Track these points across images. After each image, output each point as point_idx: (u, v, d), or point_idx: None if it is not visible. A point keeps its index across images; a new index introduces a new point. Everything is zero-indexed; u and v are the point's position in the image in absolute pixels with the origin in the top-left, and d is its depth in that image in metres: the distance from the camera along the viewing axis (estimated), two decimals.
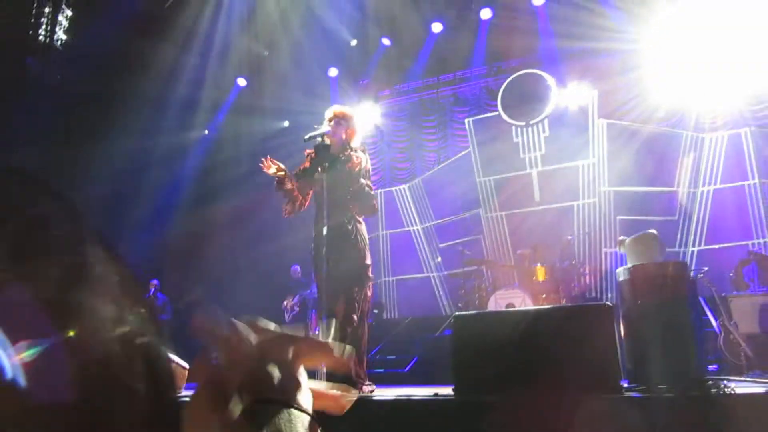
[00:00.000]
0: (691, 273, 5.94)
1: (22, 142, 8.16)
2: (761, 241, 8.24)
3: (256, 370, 0.49)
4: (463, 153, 10.53)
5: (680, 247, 8.76)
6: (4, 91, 8.45)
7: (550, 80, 9.73)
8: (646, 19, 8.88)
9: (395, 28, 10.33)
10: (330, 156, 4.31)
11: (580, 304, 6.61)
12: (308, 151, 4.50)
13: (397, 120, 11.48)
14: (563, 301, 7.17)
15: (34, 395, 0.31)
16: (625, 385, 3.03)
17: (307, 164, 4.47)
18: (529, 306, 6.85)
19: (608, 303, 3.14)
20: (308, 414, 0.49)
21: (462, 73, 10.88)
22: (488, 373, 3.15)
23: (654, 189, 9.04)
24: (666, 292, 3.15)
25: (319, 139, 4.28)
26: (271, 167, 4.37)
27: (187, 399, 0.48)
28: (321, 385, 0.56)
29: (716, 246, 8.54)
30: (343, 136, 4.38)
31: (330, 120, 4.39)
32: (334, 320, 3.95)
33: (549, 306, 6.54)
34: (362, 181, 4.30)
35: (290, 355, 0.51)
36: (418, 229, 10.82)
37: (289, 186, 4.39)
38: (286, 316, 9.35)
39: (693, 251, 8.73)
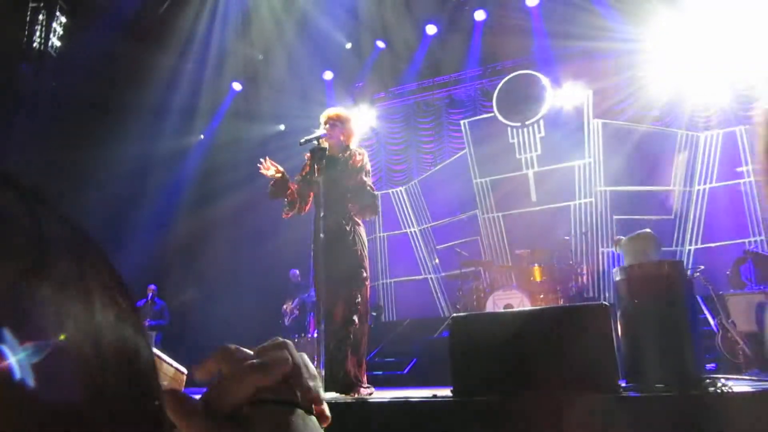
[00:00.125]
0: (688, 272, 5.96)
1: (17, 149, 8.15)
2: (757, 239, 8.26)
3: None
4: (459, 154, 10.55)
5: (677, 245, 8.79)
6: None
7: (544, 81, 9.77)
8: (640, 18, 8.90)
9: (390, 30, 10.34)
10: (327, 158, 4.31)
11: (577, 303, 6.62)
12: (308, 155, 4.50)
13: (393, 122, 11.50)
14: (561, 301, 7.18)
15: (43, 396, 0.30)
16: (623, 384, 3.03)
17: (307, 168, 4.47)
18: (527, 306, 6.87)
19: (605, 302, 3.15)
20: (310, 411, 0.47)
21: (457, 75, 10.89)
22: (486, 374, 3.15)
23: (650, 188, 9.06)
24: (662, 290, 3.16)
25: (316, 142, 4.27)
26: (270, 169, 4.37)
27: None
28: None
29: (713, 245, 8.57)
30: (341, 138, 4.38)
31: (326, 123, 4.39)
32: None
33: (546, 306, 6.56)
34: (364, 179, 4.29)
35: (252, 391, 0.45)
36: (415, 231, 10.83)
37: (286, 189, 4.38)
38: (286, 319, 9.35)
39: (690, 250, 8.75)
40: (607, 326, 3.01)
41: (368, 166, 4.40)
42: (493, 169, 10.07)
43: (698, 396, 2.72)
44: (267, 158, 4.41)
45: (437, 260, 10.32)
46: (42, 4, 9.05)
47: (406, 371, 7.27)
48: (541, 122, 9.76)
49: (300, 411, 0.46)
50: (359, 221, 4.36)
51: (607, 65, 9.62)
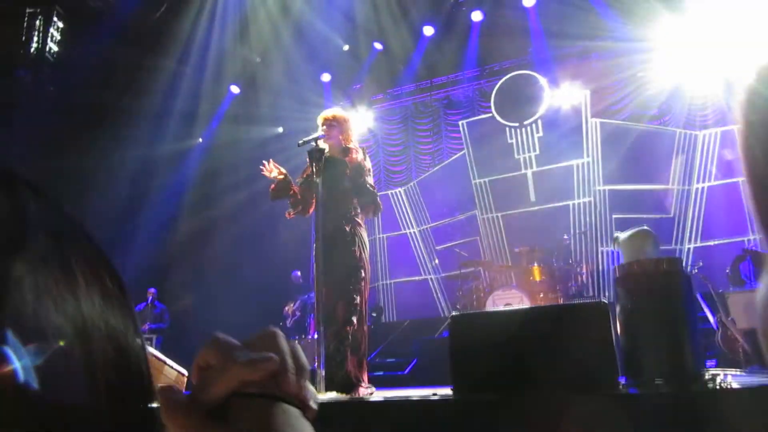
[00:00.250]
0: (687, 269, 5.97)
1: (15, 154, 8.15)
2: (756, 237, 8.27)
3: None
4: (458, 155, 10.57)
5: (676, 244, 8.79)
6: None
7: (542, 81, 9.78)
8: (637, 17, 8.92)
9: (387, 32, 10.34)
10: (326, 159, 4.32)
11: (576, 302, 6.62)
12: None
13: (391, 123, 11.51)
14: (560, 300, 7.18)
15: (47, 397, 0.30)
16: (622, 381, 3.04)
17: (308, 170, 4.47)
18: (526, 306, 6.87)
19: (604, 300, 3.16)
20: (295, 405, 0.46)
21: (454, 76, 10.91)
22: (486, 373, 3.15)
23: (649, 187, 9.07)
24: (661, 288, 3.16)
25: (314, 143, 4.28)
26: (273, 171, 4.38)
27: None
28: None
29: (712, 243, 8.58)
30: (340, 138, 4.38)
31: (323, 124, 4.40)
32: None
33: (545, 305, 6.56)
34: (365, 178, 4.28)
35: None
36: (414, 232, 10.84)
37: (288, 190, 4.39)
38: (288, 321, 9.35)
39: (689, 248, 8.76)
40: (606, 324, 3.01)
41: (368, 165, 4.39)
42: (491, 169, 10.08)
43: (697, 392, 2.72)
44: (270, 161, 4.42)
45: (437, 261, 10.32)
46: (39, 10, 9.06)
47: (406, 371, 7.28)
48: (539, 122, 9.78)
49: (284, 405, 0.45)
50: (361, 222, 4.35)
51: (604, 65, 9.64)
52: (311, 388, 0.49)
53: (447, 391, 3.27)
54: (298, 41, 10.37)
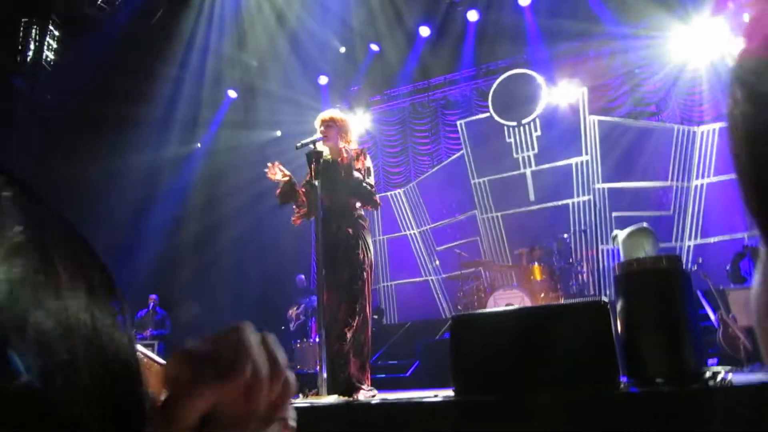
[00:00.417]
0: (687, 266, 5.96)
1: (10, 162, 8.14)
2: (756, 233, 8.25)
3: None
4: (457, 155, 10.57)
5: (676, 241, 8.79)
6: None
7: (539, 79, 9.79)
8: (633, 14, 8.93)
9: (383, 34, 10.36)
10: (326, 162, 4.32)
11: (576, 301, 6.62)
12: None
13: (389, 125, 11.52)
14: (561, 299, 7.18)
15: (50, 396, 0.29)
16: (623, 380, 3.03)
17: (310, 173, 4.46)
18: (527, 305, 6.87)
19: (604, 299, 3.15)
20: (272, 420, 0.44)
21: (451, 76, 10.91)
22: (488, 374, 3.15)
23: (648, 184, 9.07)
24: (661, 285, 3.16)
25: (312, 146, 4.28)
26: (277, 173, 4.36)
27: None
28: None
29: (711, 240, 8.57)
30: (338, 140, 4.37)
31: (321, 126, 4.39)
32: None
33: (545, 304, 6.56)
34: (363, 176, 4.26)
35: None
36: (414, 233, 10.83)
37: (296, 194, 4.37)
38: (291, 324, 9.35)
39: (689, 245, 8.75)
40: (607, 323, 3.01)
41: (368, 164, 4.37)
42: (490, 168, 10.08)
43: (699, 391, 2.72)
44: (277, 163, 4.40)
45: (437, 261, 10.32)
46: (35, 19, 9.06)
47: (408, 374, 7.26)
48: (537, 121, 9.78)
49: (260, 422, 0.42)
50: (365, 224, 4.33)
51: (601, 62, 9.65)
52: (291, 400, 0.46)
53: (449, 392, 3.27)
54: (295, 44, 10.39)
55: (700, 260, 6.38)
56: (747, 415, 2.42)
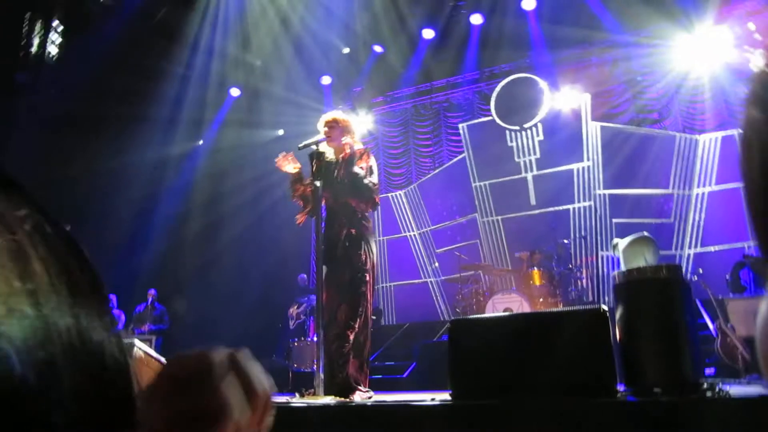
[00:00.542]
0: (687, 275, 5.96)
1: (13, 155, 8.15)
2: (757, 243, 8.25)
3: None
4: (458, 158, 10.57)
5: (676, 249, 8.78)
6: None
7: (542, 84, 9.78)
8: (637, 22, 8.93)
9: (387, 35, 10.35)
10: (329, 163, 4.33)
11: (576, 308, 6.62)
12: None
13: (391, 126, 11.52)
14: (560, 305, 7.18)
15: (42, 389, 0.28)
16: (621, 388, 3.03)
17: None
18: (526, 310, 6.87)
19: (603, 307, 3.15)
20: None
21: (454, 79, 10.92)
22: (485, 378, 3.15)
23: (649, 191, 9.07)
24: (660, 294, 3.16)
25: (314, 147, 4.28)
26: (287, 165, 4.37)
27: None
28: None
29: (712, 248, 8.56)
30: (341, 141, 4.36)
31: (324, 127, 4.39)
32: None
33: (544, 310, 6.56)
34: (368, 178, 4.24)
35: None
36: (414, 235, 10.83)
37: (305, 189, 4.37)
38: (291, 323, 9.35)
39: (689, 254, 8.75)
40: (606, 331, 3.01)
41: (372, 164, 4.36)
42: (492, 172, 10.08)
43: (696, 400, 2.72)
44: (285, 154, 4.40)
45: (437, 264, 10.32)
46: (38, 15, 9.05)
47: (405, 375, 7.26)
48: (540, 126, 9.78)
49: None
50: (368, 225, 4.32)
51: (604, 69, 9.66)
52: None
53: (445, 396, 3.26)
54: (299, 44, 10.38)
55: (701, 270, 6.37)
56: (744, 427, 2.42)
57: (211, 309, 10.35)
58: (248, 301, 10.06)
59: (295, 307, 9.40)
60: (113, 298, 9.17)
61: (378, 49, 10.73)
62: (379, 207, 4.53)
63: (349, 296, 4.09)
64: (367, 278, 4.15)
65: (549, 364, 2.97)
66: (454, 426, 3.00)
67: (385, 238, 10.92)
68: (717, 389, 2.71)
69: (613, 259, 8.43)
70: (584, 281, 8.15)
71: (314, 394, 3.84)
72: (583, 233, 9.09)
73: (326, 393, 3.82)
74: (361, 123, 10.81)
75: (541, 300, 7.28)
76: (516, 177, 9.90)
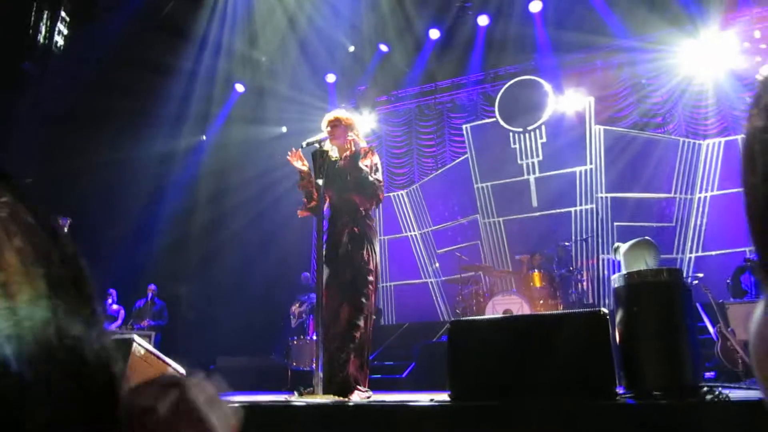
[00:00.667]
0: (688, 279, 5.95)
1: (18, 148, 8.16)
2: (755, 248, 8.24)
3: None
4: (461, 159, 10.57)
5: (677, 253, 8.78)
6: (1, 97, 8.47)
7: (546, 87, 9.78)
8: (642, 26, 8.92)
9: (392, 34, 10.35)
10: (333, 162, 4.33)
11: (576, 310, 6.62)
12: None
13: (395, 126, 11.52)
14: (560, 308, 7.19)
15: (39, 386, 0.27)
16: (620, 391, 3.03)
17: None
18: (526, 312, 6.86)
19: (603, 310, 3.15)
20: None
21: (459, 80, 10.91)
22: (484, 379, 3.15)
23: (651, 195, 9.06)
24: (661, 298, 3.16)
25: (317, 145, 4.28)
26: (296, 161, 4.39)
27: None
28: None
29: (713, 253, 8.55)
30: (345, 140, 4.36)
31: (327, 126, 4.40)
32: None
33: (544, 312, 6.56)
34: (373, 175, 4.24)
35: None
36: (415, 235, 10.83)
37: (311, 185, 4.38)
38: (292, 321, 9.36)
39: (690, 258, 8.74)
40: (605, 333, 3.01)
41: (376, 161, 4.36)
42: (494, 174, 10.08)
43: (695, 404, 2.72)
44: (296, 150, 4.41)
45: (437, 264, 10.32)
46: (45, 4, 9.07)
47: (404, 375, 7.26)
48: (543, 128, 9.78)
49: None
50: (372, 225, 4.31)
51: (609, 73, 9.66)
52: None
53: (444, 396, 3.27)
54: (305, 42, 10.38)
55: (701, 275, 6.37)
56: (743, 431, 2.42)
57: (212, 305, 10.37)
58: (249, 298, 10.06)
59: (297, 305, 9.41)
60: (113, 292, 9.19)
61: (383, 48, 10.73)
62: (380, 206, 4.54)
63: (351, 295, 4.08)
64: (371, 278, 4.15)
65: (548, 366, 2.97)
66: (452, 427, 3.00)
67: (386, 237, 10.91)
68: (717, 393, 2.71)
69: (613, 262, 8.43)
70: (585, 284, 8.15)
71: (313, 393, 3.84)
72: (584, 236, 9.09)
73: (325, 392, 3.82)
74: (365, 122, 10.80)
75: (541, 302, 7.29)
76: (518, 179, 9.90)
